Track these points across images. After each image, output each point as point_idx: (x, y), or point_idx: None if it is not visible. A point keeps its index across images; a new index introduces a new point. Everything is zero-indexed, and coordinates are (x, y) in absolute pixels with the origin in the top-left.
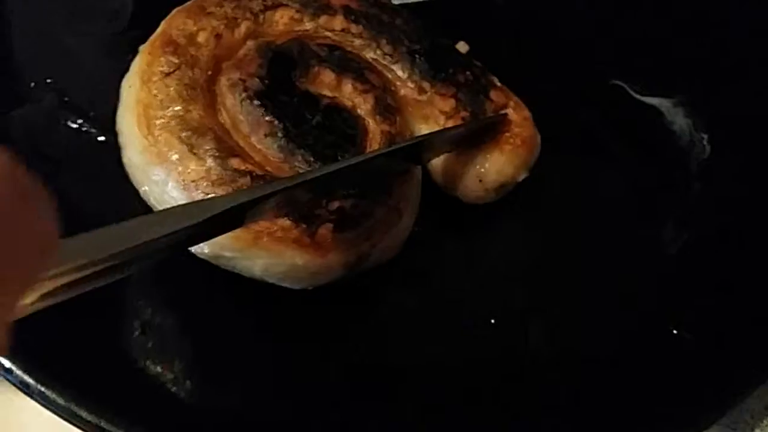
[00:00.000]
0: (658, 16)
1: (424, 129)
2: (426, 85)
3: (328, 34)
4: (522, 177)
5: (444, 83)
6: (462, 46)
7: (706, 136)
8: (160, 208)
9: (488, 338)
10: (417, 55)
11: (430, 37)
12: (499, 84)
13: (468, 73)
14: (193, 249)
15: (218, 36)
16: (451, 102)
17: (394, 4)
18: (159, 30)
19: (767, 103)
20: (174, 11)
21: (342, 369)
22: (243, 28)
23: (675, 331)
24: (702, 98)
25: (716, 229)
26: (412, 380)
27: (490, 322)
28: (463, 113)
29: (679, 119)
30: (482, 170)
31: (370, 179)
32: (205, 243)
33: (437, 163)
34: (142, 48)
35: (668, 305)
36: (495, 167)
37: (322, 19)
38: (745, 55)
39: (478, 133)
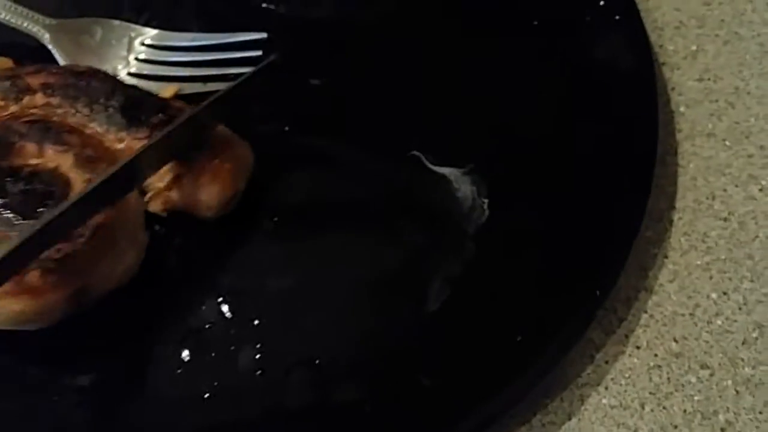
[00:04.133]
0: (455, 92)
1: None
2: (122, 134)
3: (34, 111)
4: (242, 187)
5: (138, 129)
6: (168, 90)
7: (486, 201)
8: None
9: (253, 389)
10: (111, 109)
11: (125, 90)
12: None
13: (161, 114)
14: None
15: None
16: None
17: (90, 69)
18: None
19: (544, 172)
20: None
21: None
22: None
23: (422, 380)
24: (487, 166)
25: (478, 288)
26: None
27: (255, 374)
28: None
29: (465, 186)
30: (207, 197)
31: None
32: None
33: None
34: None
35: (418, 355)
36: (214, 191)
37: (25, 100)
38: (530, 128)
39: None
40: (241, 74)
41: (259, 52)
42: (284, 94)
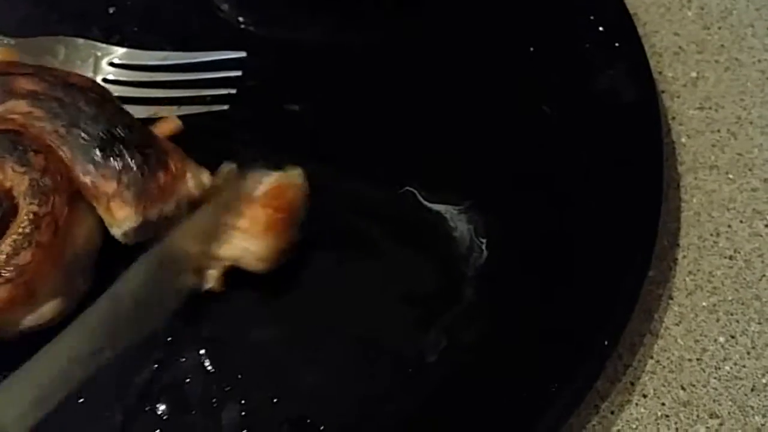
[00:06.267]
0: (449, 124)
1: (98, 208)
2: (90, 167)
3: (14, 116)
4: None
5: (107, 166)
6: (167, 125)
7: (484, 241)
8: None
9: None
10: (87, 138)
11: (112, 119)
12: (174, 168)
13: (139, 155)
14: None
15: None
16: (113, 184)
17: (86, 84)
18: None
19: (545, 210)
20: None
21: None
22: None
23: None
24: (484, 204)
25: (477, 337)
26: None
27: None
28: (126, 194)
29: (461, 225)
30: (257, 251)
31: None
32: None
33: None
34: None
35: (414, 411)
36: (267, 244)
37: (9, 104)
38: (530, 162)
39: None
40: (219, 96)
41: (238, 73)
42: (261, 121)
